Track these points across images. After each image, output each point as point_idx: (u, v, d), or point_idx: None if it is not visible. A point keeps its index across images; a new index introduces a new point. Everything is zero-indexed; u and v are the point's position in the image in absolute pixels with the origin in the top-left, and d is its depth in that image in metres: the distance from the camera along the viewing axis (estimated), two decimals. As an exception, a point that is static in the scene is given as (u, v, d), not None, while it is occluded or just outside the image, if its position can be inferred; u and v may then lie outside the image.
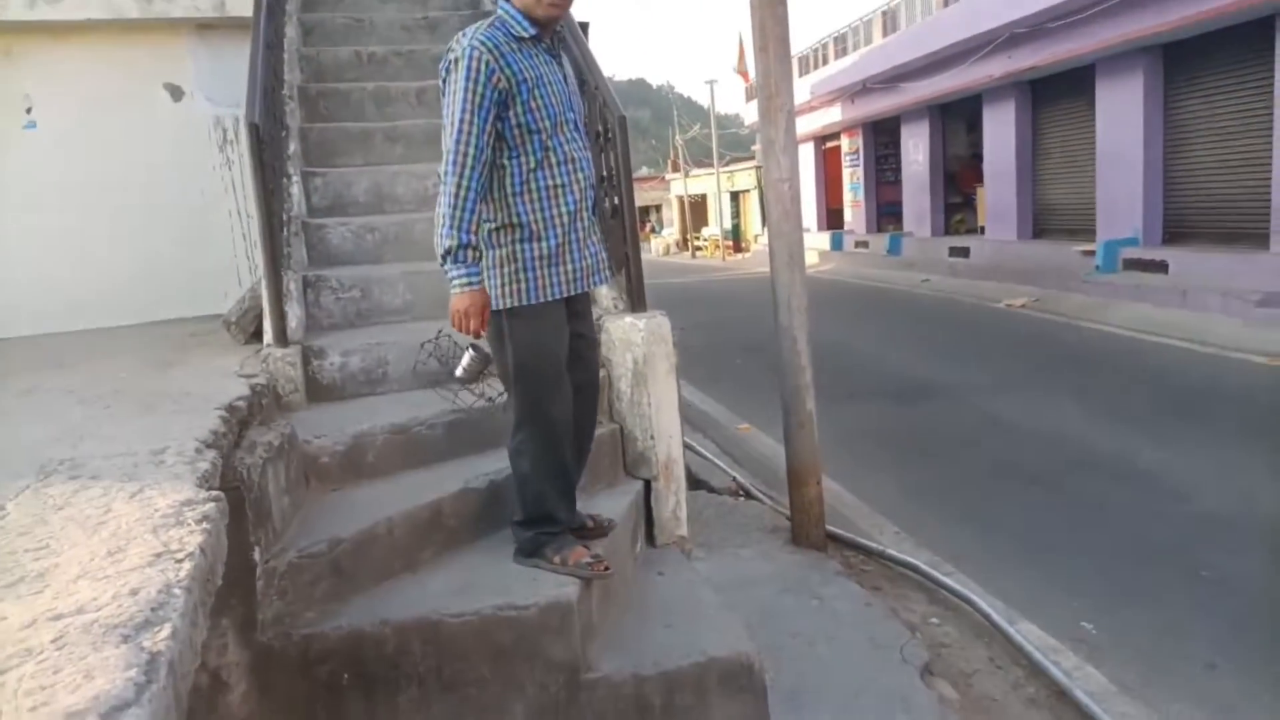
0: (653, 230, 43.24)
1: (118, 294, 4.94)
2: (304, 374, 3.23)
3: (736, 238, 34.35)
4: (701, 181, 37.91)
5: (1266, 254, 10.60)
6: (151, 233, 5.04)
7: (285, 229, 3.64)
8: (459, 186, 2.34)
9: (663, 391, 3.30)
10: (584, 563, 2.54)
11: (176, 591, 1.31)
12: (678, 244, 39.94)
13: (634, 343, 3.28)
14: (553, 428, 2.56)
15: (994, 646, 3.50)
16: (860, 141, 22.56)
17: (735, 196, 35.04)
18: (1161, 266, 11.90)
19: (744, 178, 33.68)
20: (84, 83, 4.99)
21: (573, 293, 2.59)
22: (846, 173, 23.94)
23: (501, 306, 2.46)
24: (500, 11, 2.47)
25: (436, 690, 2.34)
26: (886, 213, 22.06)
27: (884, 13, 19.27)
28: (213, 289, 4.91)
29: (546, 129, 2.46)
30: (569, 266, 2.55)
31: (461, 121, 2.34)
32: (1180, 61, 12.29)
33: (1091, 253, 13.29)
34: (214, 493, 1.76)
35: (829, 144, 24.93)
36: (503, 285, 2.46)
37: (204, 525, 1.57)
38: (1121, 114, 12.99)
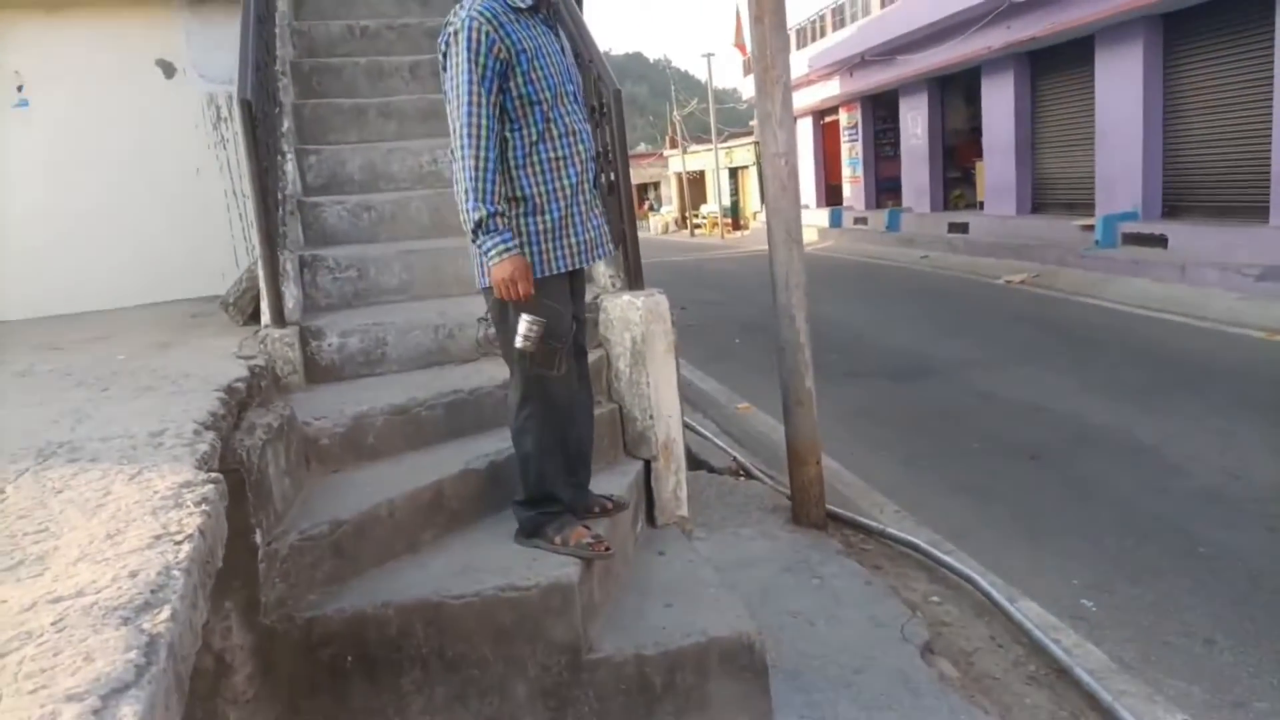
0: (651, 208, 43.04)
1: (113, 275, 4.90)
2: (302, 355, 3.21)
3: (735, 215, 34.18)
4: (700, 158, 37.68)
5: (1266, 227, 10.57)
6: (147, 213, 4.99)
7: (281, 208, 3.61)
8: (477, 159, 2.34)
9: (661, 371, 3.29)
10: (585, 543, 2.54)
11: (176, 574, 1.31)
12: (676, 222, 39.75)
13: (632, 321, 3.27)
14: (556, 405, 2.55)
15: (994, 624, 3.51)
16: (859, 116, 22.43)
17: (734, 173, 34.84)
18: (1160, 241, 11.87)
19: (743, 154, 33.47)
20: (75, 60, 4.92)
21: (577, 266, 2.59)
22: (845, 148, 23.81)
23: None
24: None
25: (439, 671, 2.34)
26: (885, 188, 21.97)
27: (883, -17, 19.11)
28: (209, 270, 4.87)
29: (547, 100, 2.45)
30: (572, 240, 2.55)
31: (470, 94, 2.34)
32: (1180, 31, 12.19)
33: (1091, 227, 13.25)
34: (213, 474, 1.75)
35: (827, 118, 24.79)
36: None
37: (203, 507, 1.56)
38: (1121, 86, 12.91)
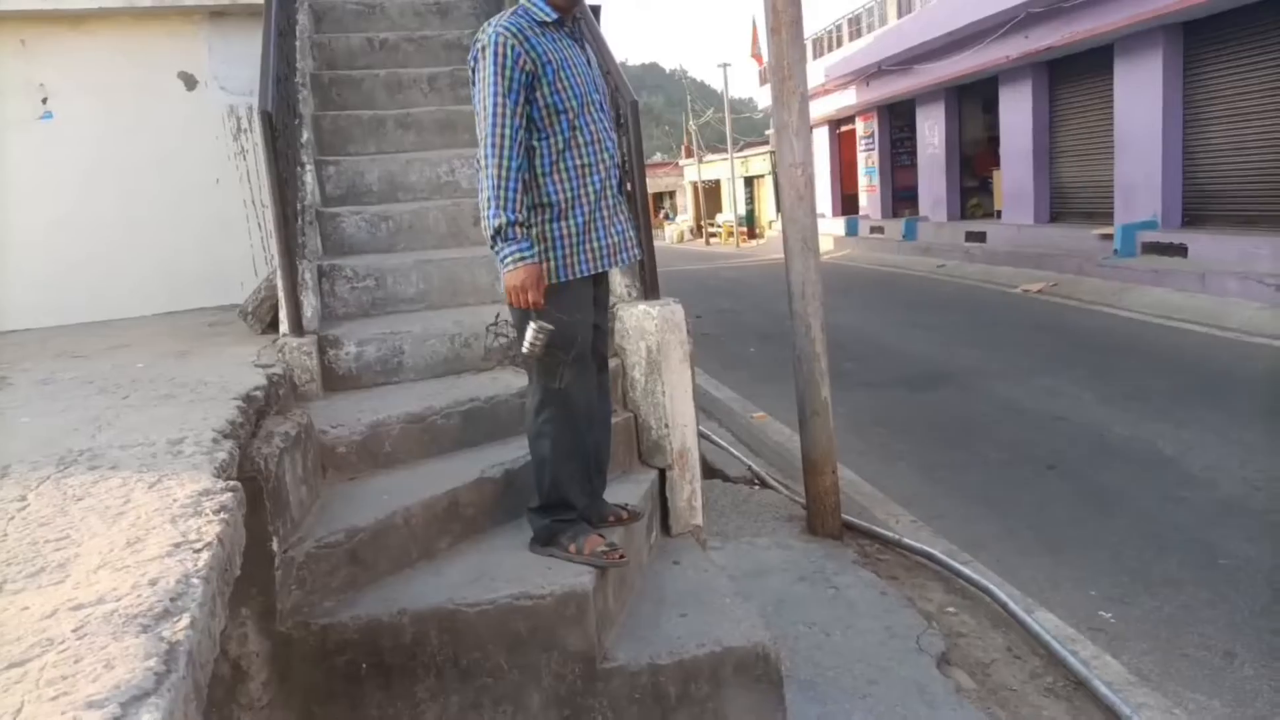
0: (666, 217, 43.12)
1: (134, 285, 4.96)
2: (320, 364, 3.24)
3: (751, 224, 34.18)
4: (716, 167, 37.73)
5: (1287, 236, 10.46)
6: (167, 223, 5.05)
7: (300, 218, 3.65)
8: (500, 167, 2.39)
9: (677, 380, 3.29)
10: (599, 551, 2.54)
11: (195, 581, 1.32)
12: (692, 231, 39.80)
13: (648, 330, 3.27)
14: (574, 410, 2.57)
15: (1011, 636, 3.48)
16: (875, 125, 22.38)
17: (750, 182, 34.87)
18: (1180, 250, 11.76)
19: (758, 163, 33.49)
20: (99, 72, 4.99)
21: (600, 269, 2.62)
22: (861, 157, 23.76)
23: None
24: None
25: (453, 679, 2.35)
26: (902, 197, 21.90)
27: (899, -7, 19.10)
28: (229, 279, 4.93)
29: (574, 109, 2.52)
30: (595, 244, 2.59)
31: (495, 106, 2.40)
32: (1200, 39, 12.10)
33: (1109, 236, 13.15)
34: (231, 483, 1.77)
35: (844, 128, 24.75)
36: None
37: (222, 515, 1.57)
38: (1140, 95, 12.82)
